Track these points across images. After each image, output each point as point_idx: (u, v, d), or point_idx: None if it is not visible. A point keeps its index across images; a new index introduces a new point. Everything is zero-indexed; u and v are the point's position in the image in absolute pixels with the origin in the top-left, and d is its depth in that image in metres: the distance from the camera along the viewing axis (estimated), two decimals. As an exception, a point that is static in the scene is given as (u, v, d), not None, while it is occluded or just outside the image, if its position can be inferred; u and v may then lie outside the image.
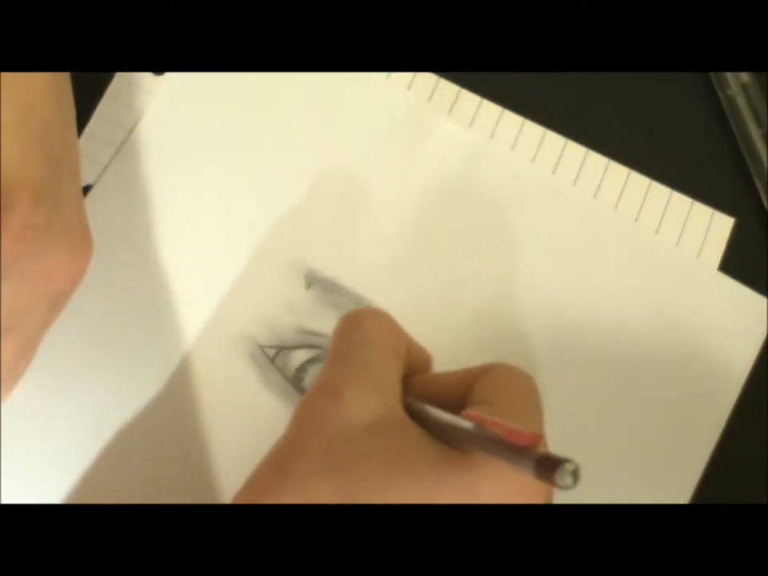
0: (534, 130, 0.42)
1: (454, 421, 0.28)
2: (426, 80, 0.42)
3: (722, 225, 0.42)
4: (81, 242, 0.32)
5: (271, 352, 0.39)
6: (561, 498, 0.25)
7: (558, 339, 0.40)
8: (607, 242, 0.41)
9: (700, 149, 0.43)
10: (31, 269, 0.30)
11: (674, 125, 0.43)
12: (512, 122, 0.42)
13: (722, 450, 0.39)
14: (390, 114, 0.41)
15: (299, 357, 0.39)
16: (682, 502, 0.39)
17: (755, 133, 0.42)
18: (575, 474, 0.22)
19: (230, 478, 0.37)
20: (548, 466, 0.23)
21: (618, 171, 0.42)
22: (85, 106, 0.39)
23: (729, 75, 0.43)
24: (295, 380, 0.38)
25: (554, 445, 0.29)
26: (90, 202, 0.39)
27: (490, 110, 0.42)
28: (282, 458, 0.29)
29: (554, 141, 0.42)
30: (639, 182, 0.42)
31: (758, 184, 0.42)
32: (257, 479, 0.30)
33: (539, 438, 0.24)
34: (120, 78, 0.40)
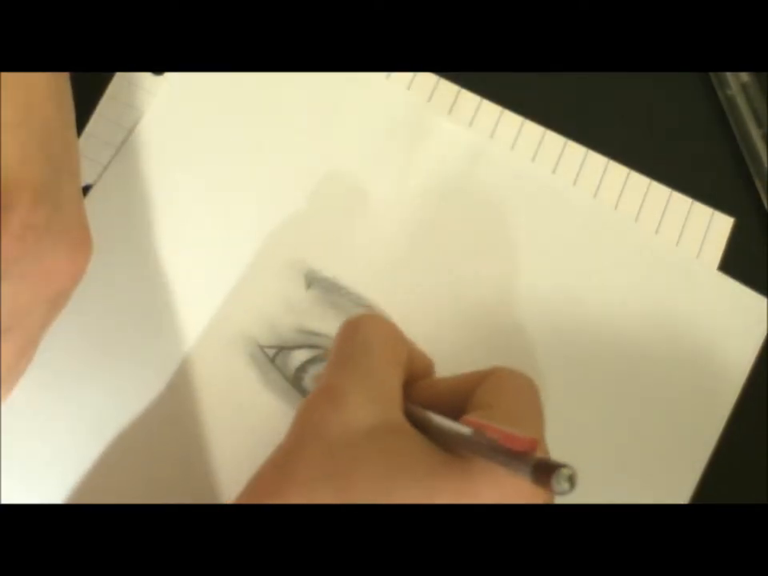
0: (533, 130, 0.42)
1: (453, 427, 0.28)
2: (426, 80, 0.42)
3: (722, 225, 0.42)
4: (81, 241, 0.32)
5: (271, 352, 0.39)
6: (560, 498, 0.25)
7: (557, 339, 0.40)
8: (607, 241, 0.41)
9: (700, 149, 0.43)
10: (31, 269, 0.30)
11: (674, 125, 0.43)
12: (512, 121, 0.42)
13: (722, 450, 0.39)
14: (390, 114, 0.41)
15: (299, 357, 0.39)
16: (681, 502, 0.39)
17: (755, 133, 0.42)
18: (572, 479, 0.23)
19: (229, 478, 0.37)
20: (545, 471, 0.23)
21: (618, 171, 0.42)
22: (85, 106, 0.39)
23: (729, 75, 0.43)
24: (295, 380, 0.38)
25: (554, 445, 0.29)
26: (89, 202, 0.39)
27: (490, 110, 0.42)
28: (282, 463, 0.29)
29: (554, 141, 0.42)
30: (639, 181, 0.42)
31: (758, 184, 0.42)
32: (258, 483, 0.30)
33: (536, 442, 0.24)
34: (120, 77, 0.40)
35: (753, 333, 0.41)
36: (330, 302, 0.39)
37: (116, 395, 0.38)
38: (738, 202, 0.42)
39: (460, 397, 0.31)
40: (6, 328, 0.30)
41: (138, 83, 0.40)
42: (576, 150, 0.42)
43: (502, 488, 0.27)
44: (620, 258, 0.41)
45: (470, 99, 0.42)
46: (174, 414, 0.38)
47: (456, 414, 0.30)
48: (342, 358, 0.31)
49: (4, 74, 0.30)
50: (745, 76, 0.43)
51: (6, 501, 0.36)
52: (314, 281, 0.39)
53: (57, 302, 0.32)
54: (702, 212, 0.42)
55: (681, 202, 0.42)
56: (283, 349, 0.39)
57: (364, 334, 0.32)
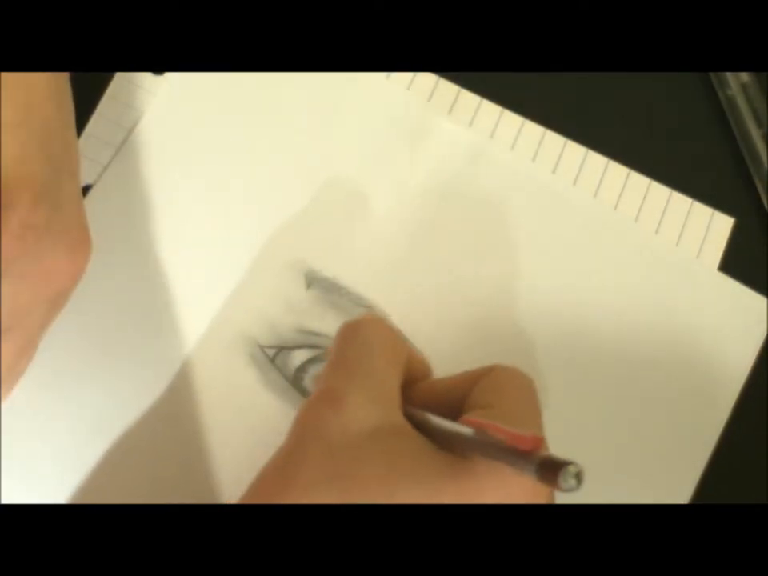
0: (533, 130, 0.42)
1: (454, 428, 0.28)
2: (426, 80, 0.42)
3: (722, 225, 0.42)
4: (80, 241, 0.32)
5: (271, 352, 0.39)
6: (561, 498, 0.25)
7: (557, 339, 0.40)
8: (607, 242, 0.41)
9: (700, 149, 0.43)
10: (31, 268, 0.30)
11: (674, 125, 0.43)
12: (512, 121, 0.42)
13: (722, 450, 0.39)
14: (390, 114, 0.41)
15: (299, 357, 0.39)
16: (682, 502, 0.39)
17: (755, 133, 0.42)
18: (578, 477, 0.22)
19: (229, 477, 0.37)
20: (551, 469, 0.23)
21: (618, 171, 0.42)
22: (85, 106, 0.39)
23: (729, 75, 0.43)
24: (295, 380, 0.38)
25: (554, 445, 0.29)
26: (89, 202, 0.39)
27: (490, 109, 0.42)
28: (284, 465, 0.29)
29: (554, 141, 0.42)
30: (639, 181, 0.42)
31: (758, 184, 0.42)
32: (260, 486, 0.30)
33: (541, 440, 0.24)
34: (120, 77, 0.40)
35: (753, 333, 0.41)
36: (330, 302, 0.39)
37: (116, 395, 0.38)
38: (738, 201, 0.42)
39: (458, 396, 0.31)
40: (5, 328, 0.30)
41: (138, 83, 0.40)
42: (576, 150, 0.42)
43: (506, 487, 0.27)
44: (620, 258, 0.41)
45: (470, 99, 0.42)
46: (174, 413, 0.38)
47: (455, 413, 0.29)
48: (342, 360, 0.31)
49: (4, 74, 0.30)
50: (745, 76, 0.43)
51: (6, 501, 0.36)
52: (314, 281, 0.39)
53: (57, 302, 0.32)
54: (702, 212, 0.42)
55: (681, 202, 0.42)
56: (283, 349, 0.39)
57: (364, 335, 0.32)
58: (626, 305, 0.41)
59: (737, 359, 0.40)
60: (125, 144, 0.40)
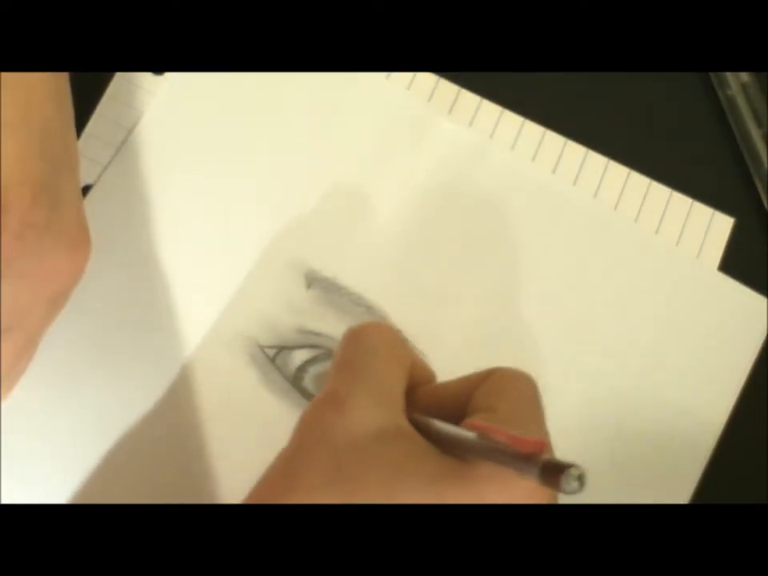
0: (533, 130, 0.42)
1: (457, 431, 0.28)
2: (426, 80, 0.42)
3: (722, 225, 0.42)
4: (80, 241, 0.32)
5: (271, 352, 0.39)
6: (561, 499, 0.25)
7: (557, 339, 0.40)
8: (607, 241, 0.41)
9: (700, 149, 0.43)
10: (31, 268, 0.30)
11: (674, 125, 0.43)
12: (512, 121, 0.42)
13: (722, 450, 0.39)
14: (390, 114, 0.41)
15: (299, 357, 0.39)
16: (681, 502, 0.39)
17: (755, 133, 0.42)
18: (581, 479, 0.23)
19: (230, 477, 0.37)
20: (553, 472, 0.23)
21: (618, 171, 0.42)
22: (85, 106, 0.39)
23: (729, 75, 0.43)
24: (295, 380, 0.38)
25: (554, 445, 0.29)
26: (89, 202, 0.39)
27: (490, 109, 0.42)
28: (287, 468, 0.29)
29: (554, 141, 0.42)
30: (639, 181, 0.42)
31: (758, 184, 0.42)
32: (263, 488, 0.29)
33: (543, 443, 0.24)
34: (120, 77, 0.40)
35: (753, 333, 0.41)
36: (330, 302, 0.39)
37: (116, 395, 0.38)
38: (738, 201, 0.42)
39: (461, 400, 0.31)
40: (5, 327, 0.30)
41: (138, 83, 0.40)
42: (576, 150, 0.42)
43: (509, 491, 0.27)
44: (620, 258, 0.41)
45: (470, 99, 0.42)
46: (174, 413, 0.38)
47: (458, 417, 0.29)
48: (347, 364, 0.31)
49: (4, 74, 0.30)
50: (745, 76, 0.43)
51: (6, 501, 0.36)
52: (314, 281, 0.39)
53: (56, 302, 0.32)
54: (702, 212, 0.42)
55: (681, 202, 0.42)
56: (283, 349, 0.39)
57: (369, 340, 0.32)
58: (625, 305, 0.41)
59: (737, 359, 0.40)
60: (125, 144, 0.40)
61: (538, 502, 0.27)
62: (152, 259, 0.39)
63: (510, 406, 0.29)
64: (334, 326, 0.39)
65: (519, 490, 0.27)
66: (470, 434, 0.27)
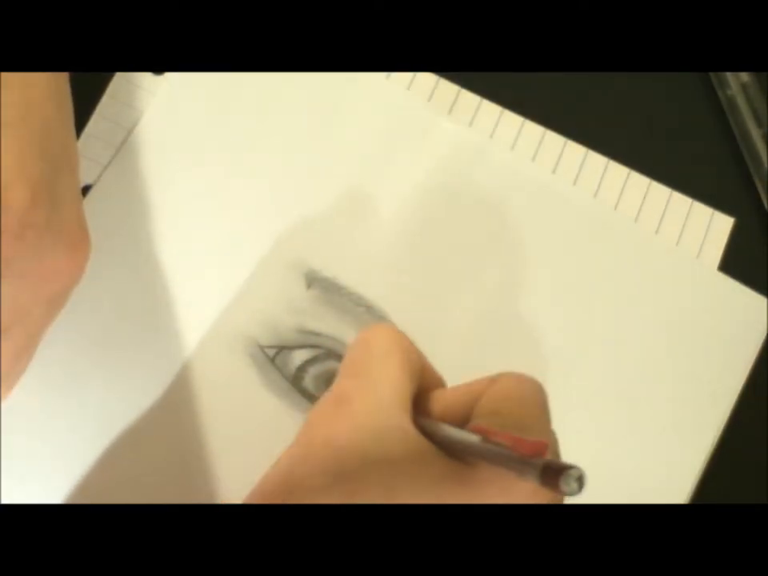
0: (533, 130, 0.42)
1: (459, 434, 0.28)
2: (426, 80, 0.42)
3: (722, 225, 0.42)
4: (80, 241, 0.32)
5: (271, 352, 0.39)
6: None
7: (557, 338, 0.40)
8: (607, 241, 0.41)
9: (700, 149, 0.43)
10: (31, 268, 0.30)
11: (674, 125, 0.43)
12: (512, 121, 0.42)
13: (722, 450, 0.39)
14: (390, 114, 0.41)
15: (299, 357, 0.39)
16: (681, 502, 0.39)
17: (755, 133, 0.42)
18: (580, 480, 0.23)
19: (229, 477, 0.37)
20: (553, 474, 0.23)
21: (618, 171, 0.42)
22: (85, 106, 0.39)
23: (729, 75, 0.43)
24: (295, 380, 0.38)
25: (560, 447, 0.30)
26: (89, 202, 0.39)
27: (490, 109, 0.42)
28: (289, 467, 0.29)
29: (554, 141, 0.42)
30: (639, 181, 0.42)
31: (758, 184, 0.42)
32: (264, 488, 0.29)
33: (544, 446, 0.25)
34: (120, 77, 0.40)
35: (753, 333, 0.41)
36: (330, 302, 0.39)
37: (116, 395, 0.38)
38: (738, 201, 0.42)
39: (468, 405, 0.31)
40: (5, 327, 0.30)
41: (138, 83, 0.40)
42: (576, 150, 0.42)
43: (509, 494, 0.27)
44: (620, 258, 0.41)
45: (470, 99, 0.42)
46: (174, 413, 0.38)
47: (466, 421, 0.30)
48: (354, 366, 0.31)
49: (4, 74, 0.30)
50: (745, 76, 0.43)
51: (6, 501, 0.36)
52: (314, 281, 0.39)
53: (56, 302, 0.32)
54: (702, 212, 0.42)
55: (681, 202, 0.42)
56: (283, 349, 0.39)
57: (378, 343, 0.32)
58: (625, 305, 0.41)
59: (737, 359, 0.40)
60: (125, 144, 0.40)
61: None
62: (152, 259, 0.39)
63: (513, 410, 0.30)
64: (334, 326, 0.39)
65: (518, 493, 0.27)
66: (473, 437, 0.27)
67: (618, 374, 0.40)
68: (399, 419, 0.29)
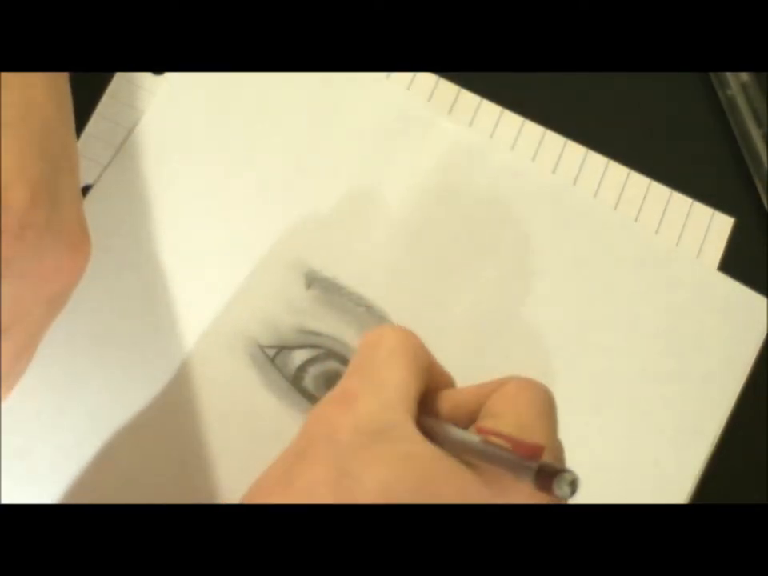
0: (533, 130, 0.42)
1: (462, 435, 0.29)
2: (426, 80, 0.42)
3: (722, 225, 0.42)
4: (80, 240, 0.32)
5: (271, 352, 0.39)
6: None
7: (556, 338, 0.40)
8: (607, 241, 0.41)
9: (700, 149, 0.43)
10: (31, 268, 0.30)
11: (674, 125, 0.43)
12: (512, 121, 0.42)
13: (721, 450, 0.39)
14: (390, 114, 0.41)
15: (299, 357, 0.39)
16: (681, 502, 0.39)
17: (755, 133, 0.42)
18: (573, 484, 0.23)
19: (229, 477, 0.37)
20: (547, 476, 0.23)
21: (618, 171, 0.42)
22: (85, 106, 0.39)
23: (729, 75, 0.43)
24: (295, 380, 0.38)
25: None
26: (89, 202, 0.39)
27: (490, 109, 0.42)
28: (290, 464, 0.29)
29: (554, 141, 0.42)
30: (639, 181, 0.42)
31: (758, 184, 0.42)
32: (264, 484, 0.29)
33: (541, 449, 0.25)
34: (120, 77, 0.40)
35: (753, 333, 0.41)
36: (330, 302, 0.39)
37: (116, 395, 0.38)
38: (738, 202, 0.42)
39: (474, 407, 0.31)
40: (5, 327, 0.30)
41: (138, 83, 0.40)
42: (576, 150, 0.42)
43: (506, 496, 0.27)
44: (620, 258, 0.41)
45: (470, 99, 0.42)
46: (174, 413, 0.38)
47: (472, 423, 0.30)
48: (361, 366, 0.31)
49: (4, 74, 0.30)
50: (745, 76, 0.43)
51: (6, 501, 0.36)
52: (314, 281, 0.39)
53: (56, 302, 0.32)
54: (702, 212, 0.42)
55: (681, 202, 0.42)
56: (283, 349, 0.39)
57: (385, 343, 0.32)
58: (625, 305, 0.41)
59: (737, 359, 0.40)
60: (125, 144, 0.40)
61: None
62: (152, 259, 0.39)
63: (517, 412, 0.30)
64: (333, 326, 0.39)
65: (517, 494, 0.27)
66: (474, 438, 0.28)
67: (618, 373, 0.40)
68: (401, 418, 0.29)
